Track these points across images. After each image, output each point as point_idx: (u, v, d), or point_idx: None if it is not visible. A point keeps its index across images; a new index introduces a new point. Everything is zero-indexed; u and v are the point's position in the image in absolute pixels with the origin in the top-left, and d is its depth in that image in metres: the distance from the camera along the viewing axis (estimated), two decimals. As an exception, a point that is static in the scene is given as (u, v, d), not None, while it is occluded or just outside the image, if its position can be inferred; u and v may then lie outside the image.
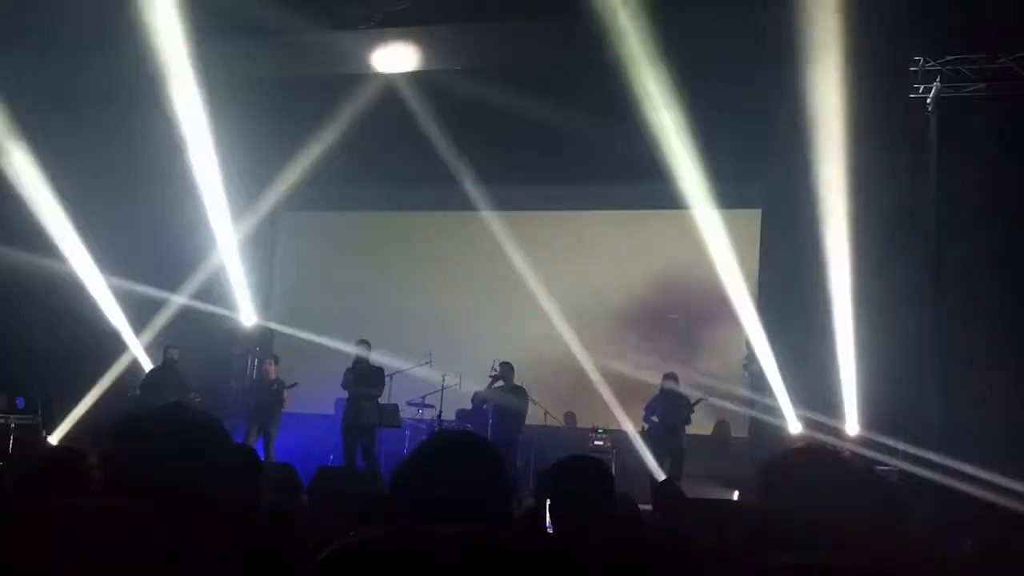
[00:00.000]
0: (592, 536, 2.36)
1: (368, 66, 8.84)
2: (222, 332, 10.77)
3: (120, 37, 7.98)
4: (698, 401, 9.01)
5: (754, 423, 9.38)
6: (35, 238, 9.21)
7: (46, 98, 8.85)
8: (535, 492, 2.65)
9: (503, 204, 10.20)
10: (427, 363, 9.98)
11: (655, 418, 8.97)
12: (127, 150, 9.59)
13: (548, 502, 2.51)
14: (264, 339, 11.13)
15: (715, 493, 8.02)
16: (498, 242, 10.23)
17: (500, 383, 9.33)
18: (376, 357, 9.46)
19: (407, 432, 9.73)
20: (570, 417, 10.46)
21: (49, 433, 9.18)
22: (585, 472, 2.57)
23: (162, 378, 9.55)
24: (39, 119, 8.89)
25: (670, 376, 9.09)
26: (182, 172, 9.64)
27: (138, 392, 9.56)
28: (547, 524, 2.50)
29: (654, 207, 10.34)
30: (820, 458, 1.82)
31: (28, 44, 8.28)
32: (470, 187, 9.90)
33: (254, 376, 10.19)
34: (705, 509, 5.04)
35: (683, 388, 9.06)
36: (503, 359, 9.44)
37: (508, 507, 1.88)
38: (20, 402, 9.06)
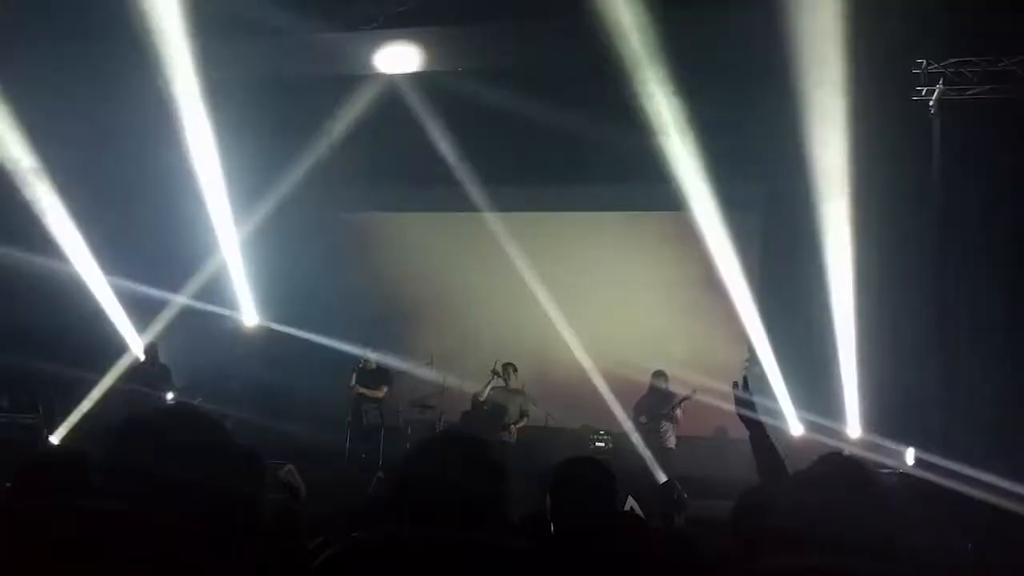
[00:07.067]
0: (594, 538, 2.35)
1: (370, 67, 8.85)
2: (224, 332, 10.78)
3: (122, 34, 7.99)
4: (685, 399, 8.62)
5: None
6: (35, 236, 9.21)
7: (47, 93, 8.84)
8: (537, 494, 2.63)
9: (505, 205, 10.19)
10: (428, 364, 9.98)
11: (643, 419, 8.77)
12: (129, 149, 9.60)
13: (550, 504, 2.51)
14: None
15: (712, 495, 7.97)
16: (500, 243, 10.23)
17: (500, 383, 9.27)
18: (377, 358, 9.45)
19: (409, 434, 9.72)
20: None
21: (51, 433, 9.18)
22: (587, 474, 2.56)
23: (149, 374, 9.55)
24: (40, 117, 8.90)
25: (659, 374, 8.90)
26: (184, 172, 9.66)
27: (129, 393, 9.52)
28: (549, 526, 2.49)
29: (656, 208, 10.34)
30: (848, 470, 1.82)
31: (28, 38, 8.27)
32: (472, 188, 9.90)
33: None
34: (707, 511, 5.03)
35: (673, 386, 8.81)
36: (506, 360, 9.38)
37: (507, 510, 1.87)
38: None
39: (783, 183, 9.28)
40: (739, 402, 2.99)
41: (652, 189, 9.58)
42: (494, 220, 10.31)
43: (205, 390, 9.90)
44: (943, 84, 8.50)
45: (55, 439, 9.05)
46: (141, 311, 10.11)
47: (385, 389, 9.40)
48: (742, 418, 2.93)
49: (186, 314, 10.24)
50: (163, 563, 1.59)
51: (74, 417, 9.38)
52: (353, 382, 9.31)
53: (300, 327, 10.44)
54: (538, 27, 8.14)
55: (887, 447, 7.98)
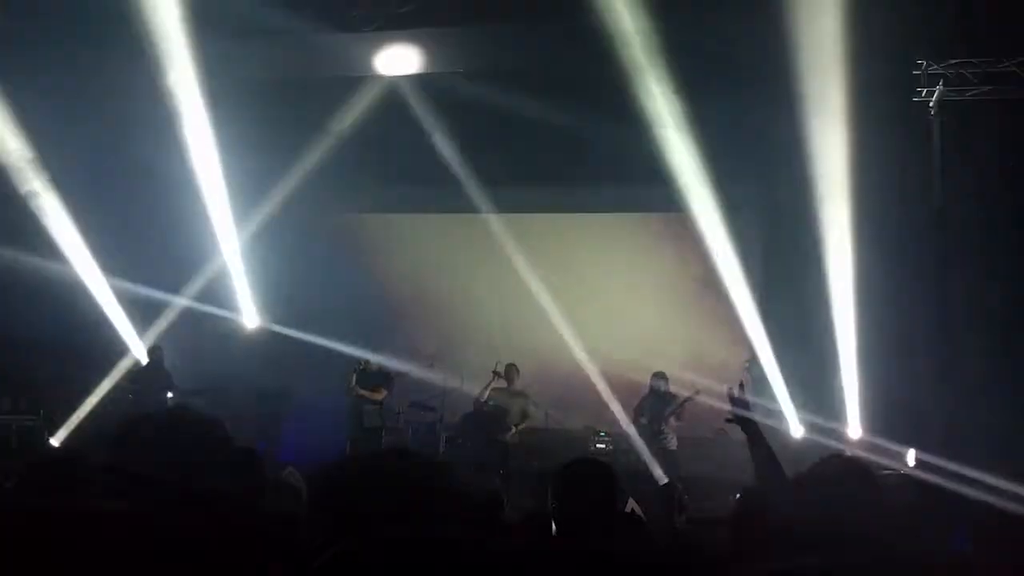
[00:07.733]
0: (595, 539, 2.35)
1: (370, 68, 8.84)
2: (225, 334, 10.78)
3: (122, 35, 7.99)
4: (687, 399, 8.65)
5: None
6: (37, 238, 9.22)
7: (47, 96, 8.84)
8: (539, 495, 2.64)
9: (505, 206, 10.20)
10: (429, 365, 9.98)
11: (644, 420, 8.81)
12: (130, 150, 9.59)
13: (551, 505, 2.51)
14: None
15: (712, 496, 7.97)
16: (500, 243, 10.23)
17: (502, 384, 9.25)
18: (377, 359, 9.45)
19: (409, 435, 9.71)
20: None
21: (51, 435, 9.18)
22: (588, 475, 2.56)
23: (152, 378, 9.54)
24: (40, 118, 8.89)
25: (659, 376, 8.92)
26: (185, 173, 9.66)
27: (131, 396, 9.50)
28: (550, 526, 2.49)
29: (656, 208, 10.34)
30: (849, 471, 1.82)
31: (29, 41, 8.27)
32: (472, 189, 9.91)
33: None
34: (707, 512, 5.04)
35: (673, 387, 8.84)
36: (508, 361, 9.36)
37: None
38: None
39: (783, 183, 9.29)
40: (735, 405, 3.01)
41: (652, 189, 9.57)
42: (494, 221, 10.32)
43: (205, 392, 9.90)
44: (943, 85, 8.51)
45: (55, 441, 9.05)
46: (142, 313, 10.12)
47: (385, 391, 9.39)
48: (737, 420, 2.94)
49: (187, 316, 10.24)
50: (163, 563, 1.59)
51: (74, 419, 9.38)
52: (353, 383, 9.30)
53: (300, 329, 10.44)
54: (538, 28, 8.13)
55: (888, 448, 7.98)
